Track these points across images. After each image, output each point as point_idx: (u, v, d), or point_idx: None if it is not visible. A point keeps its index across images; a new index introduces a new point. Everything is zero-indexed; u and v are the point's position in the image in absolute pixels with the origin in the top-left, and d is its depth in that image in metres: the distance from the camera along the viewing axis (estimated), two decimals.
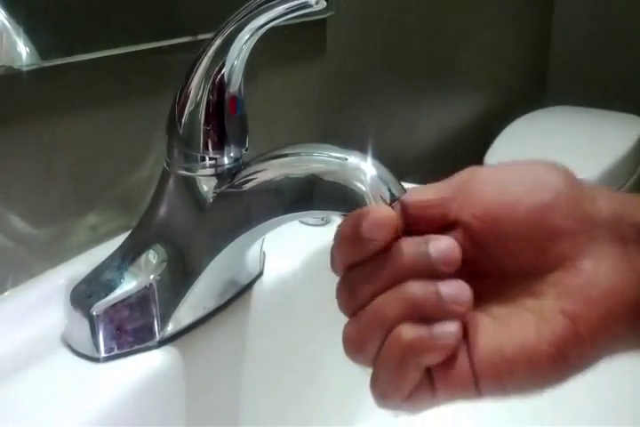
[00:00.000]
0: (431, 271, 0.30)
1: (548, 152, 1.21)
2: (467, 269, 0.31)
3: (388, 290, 0.31)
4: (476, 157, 1.23)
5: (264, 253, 0.53)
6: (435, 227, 0.32)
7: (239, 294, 0.50)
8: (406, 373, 0.31)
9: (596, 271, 0.30)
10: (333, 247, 0.33)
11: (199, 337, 0.46)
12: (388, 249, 0.31)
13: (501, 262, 0.32)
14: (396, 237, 0.31)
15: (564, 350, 0.30)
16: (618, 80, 1.58)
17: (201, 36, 0.60)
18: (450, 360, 0.31)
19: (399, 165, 1.16)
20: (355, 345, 0.32)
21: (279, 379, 0.52)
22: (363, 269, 0.32)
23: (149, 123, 0.58)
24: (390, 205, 0.34)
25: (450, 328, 0.30)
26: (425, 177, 1.21)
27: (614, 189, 1.19)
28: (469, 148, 1.29)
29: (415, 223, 0.32)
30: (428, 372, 0.31)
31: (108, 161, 0.55)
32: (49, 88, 0.49)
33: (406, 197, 0.33)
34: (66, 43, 0.49)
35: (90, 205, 0.54)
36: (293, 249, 0.56)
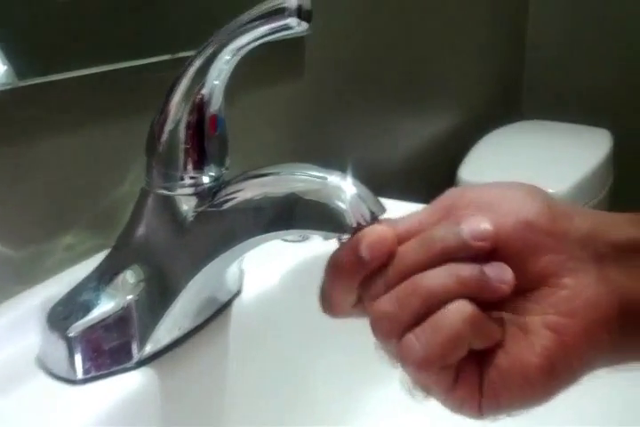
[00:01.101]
0: (468, 252, 0.31)
1: (521, 165, 1.23)
2: None
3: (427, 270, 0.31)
4: (450, 170, 1.24)
5: (242, 271, 0.52)
6: None
7: (218, 312, 0.50)
8: (459, 347, 0.30)
9: (577, 287, 0.31)
10: (331, 281, 0.33)
11: (178, 357, 0.45)
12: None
13: None
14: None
15: (554, 362, 0.30)
16: (589, 95, 1.60)
17: (181, 54, 0.60)
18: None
19: (376, 178, 1.16)
20: (392, 318, 0.31)
21: (259, 397, 0.52)
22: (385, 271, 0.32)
23: (128, 141, 0.57)
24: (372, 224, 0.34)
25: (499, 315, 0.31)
26: (401, 190, 1.22)
27: (586, 201, 1.20)
28: (444, 160, 1.30)
29: None
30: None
31: (85, 180, 0.55)
32: (26, 108, 0.49)
33: (396, 228, 0.33)
34: (43, 62, 0.48)
35: (67, 225, 0.54)
36: (272, 266, 0.56)
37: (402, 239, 0.33)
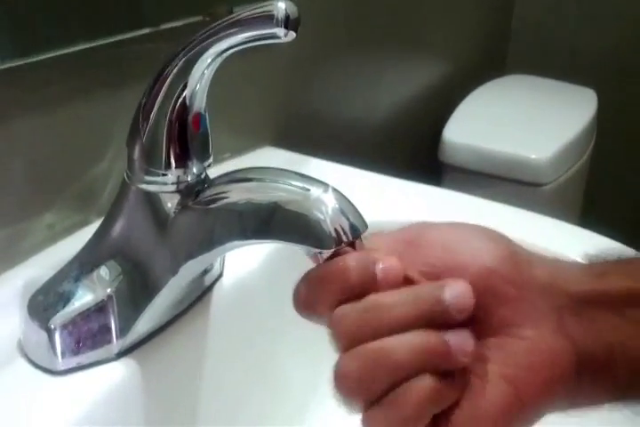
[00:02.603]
0: (444, 318, 0.31)
1: (506, 127, 1.22)
2: None
3: (396, 333, 0.31)
4: (436, 127, 1.23)
5: (224, 255, 0.53)
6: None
7: (200, 296, 0.50)
8: (421, 420, 0.31)
9: (537, 339, 0.32)
10: (312, 287, 0.33)
11: (159, 346, 0.46)
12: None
13: None
14: None
15: (510, 418, 0.31)
16: (577, 52, 1.59)
17: (164, 26, 0.59)
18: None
19: (360, 135, 1.16)
20: (356, 384, 0.31)
21: (239, 381, 0.53)
22: (360, 310, 0.32)
23: (107, 117, 0.57)
24: (354, 242, 0.35)
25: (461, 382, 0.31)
26: (382, 150, 1.21)
27: (570, 165, 1.20)
28: (429, 117, 1.29)
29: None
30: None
31: (64, 158, 0.54)
32: (2, 89, 0.48)
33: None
34: (21, 44, 0.47)
35: (46, 203, 0.54)
36: (252, 249, 0.56)
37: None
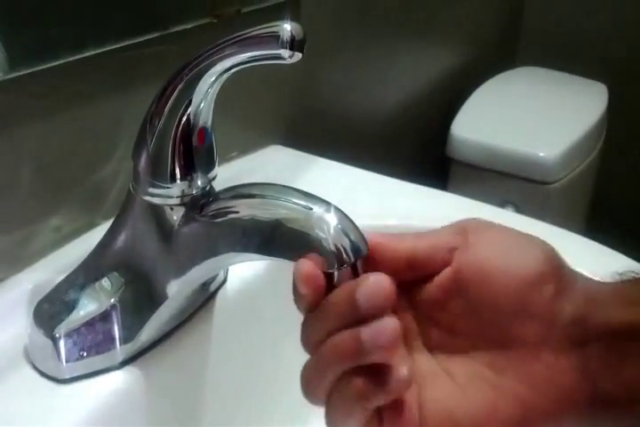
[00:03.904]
0: (360, 316, 0.31)
1: (517, 123, 1.22)
2: (441, 313, 0.34)
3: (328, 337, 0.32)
4: (445, 121, 1.23)
5: None
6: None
7: (203, 303, 0.51)
8: (355, 415, 0.32)
9: (556, 369, 0.32)
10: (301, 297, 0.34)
11: (162, 354, 0.47)
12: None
13: (474, 321, 0.34)
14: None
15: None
16: (589, 45, 1.57)
17: (173, 29, 0.59)
18: (399, 404, 0.33)
19: (368, 130, 1.15)
20: (306, 386, 0.34)
21: (242, 387, 0.54)
22: (317, 314, 0.33)
23: (113, 120, 0.57)
24: (355, 262, 0.35)
25: (400, 376, 0.31)
26: (392, 143, 1.20)
27: (580, 162, 1.19)
28: (438, 111, 1.28)
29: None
30: (379, 412, 0.33)
31: (70, 161, 0.55)
32: (10, 94, 0.48)
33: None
34: (30, 52, 0.47)
35: (54, 206, 0.54)
36: None
37: (424, 255, 0.34)
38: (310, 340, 0.34)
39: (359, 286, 0.31)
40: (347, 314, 0.32)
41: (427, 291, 0.35)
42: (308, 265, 0.33)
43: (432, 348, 0.35)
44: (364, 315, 0.31)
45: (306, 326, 0.34)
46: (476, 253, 0.34)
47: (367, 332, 0.31)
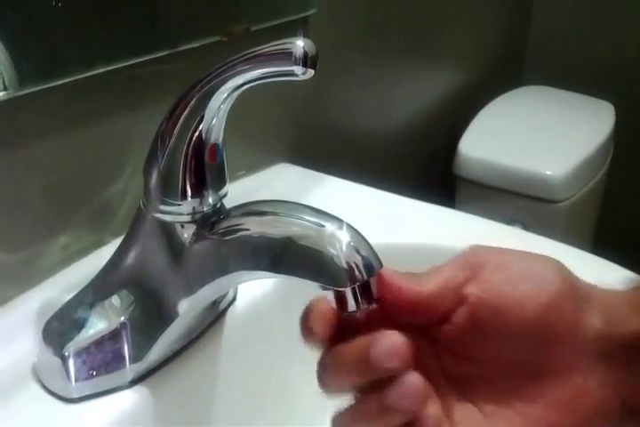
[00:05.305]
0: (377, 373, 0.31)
1: (524, 142, 1.22)
2: (463, 351, 0.33)
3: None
4: (452, 139, 1.22)
5: None
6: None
7: (213, 321, 0.51)
8: None
9: (585, 388, 0.31)
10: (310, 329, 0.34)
11: (172, 373, 0.46)
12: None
13: (497, 355, 0.33)
14: None
15: None
16: (595, 65, 1.58)
17: (182, 47, 0.59)
18: None
19: (375, 148, 1.15)
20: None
21: (252, 405, 0.53)
22: (333, 366, 0.34)
23: (123, 137, 0.57)
24: (368, 280, 0.34)
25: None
26: (399, 161, 1.20)
27: (587, 181, 1.19)
28: (445, 129, 1.28)
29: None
30: None
31: (79, 179, 0.54)
32: (20, 113, 0.48)
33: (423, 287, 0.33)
34: (41, 69, 0.47)
35: (62, 224, 0.54)
36: None
37: (433, 298, 0.33)
38: (331, 389, 0.34)
39: (373, 346, 0.31)
40: (363, 371, 0.32)
41: (444, 333, 0.34)
42: (323, 304, 0.34)
43: (457, 384, 0.34)
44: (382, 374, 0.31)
45: (323, 375, 0.34)
46: (488, 289, 0.33)
47: (391, 396, 0.30)
